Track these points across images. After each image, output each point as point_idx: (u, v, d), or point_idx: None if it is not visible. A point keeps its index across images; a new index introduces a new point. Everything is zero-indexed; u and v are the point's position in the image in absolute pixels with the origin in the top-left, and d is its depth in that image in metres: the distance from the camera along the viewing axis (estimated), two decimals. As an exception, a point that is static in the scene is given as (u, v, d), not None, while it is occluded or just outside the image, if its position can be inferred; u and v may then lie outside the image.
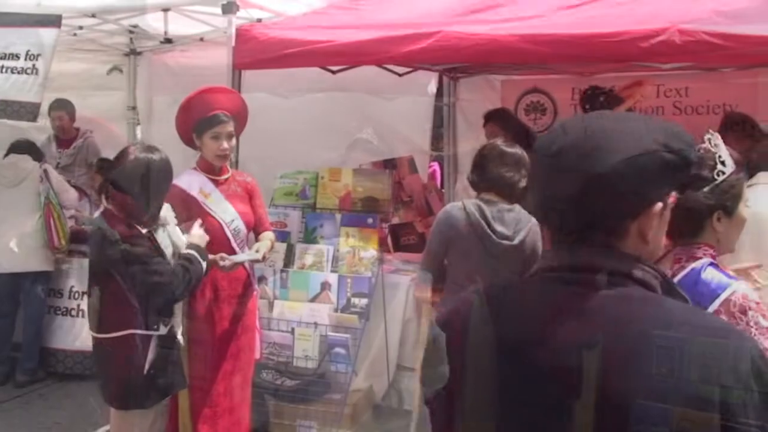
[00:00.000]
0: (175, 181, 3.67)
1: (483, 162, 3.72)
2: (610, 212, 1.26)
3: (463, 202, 3.68)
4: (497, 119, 5.49)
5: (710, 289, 2.15)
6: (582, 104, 4.78)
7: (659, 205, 1.27)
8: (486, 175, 3.69)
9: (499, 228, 3.60)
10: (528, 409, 1.24)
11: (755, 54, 3.56)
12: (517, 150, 3.72)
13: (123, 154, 3.43)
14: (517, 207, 3.72)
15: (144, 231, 3.35)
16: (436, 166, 7.81)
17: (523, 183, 3.69)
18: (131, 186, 3.34)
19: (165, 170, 3.45)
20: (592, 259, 1.27)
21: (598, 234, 1.27)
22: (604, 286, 1.24)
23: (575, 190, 1.25)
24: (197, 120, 3.89)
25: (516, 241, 3.63)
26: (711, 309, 2.10)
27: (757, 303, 2.35)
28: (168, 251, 3.45)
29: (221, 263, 3.74)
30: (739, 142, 4.60)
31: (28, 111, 5.39)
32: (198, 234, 3.63)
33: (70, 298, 6.05)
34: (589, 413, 1.18)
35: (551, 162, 1.29)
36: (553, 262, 1.33)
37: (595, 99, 4.62)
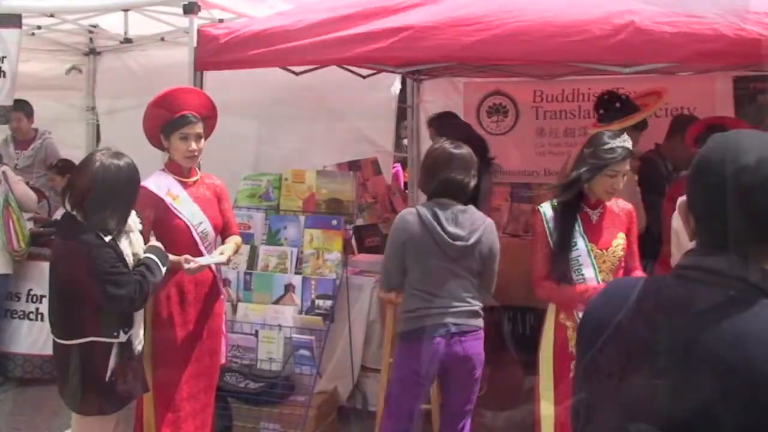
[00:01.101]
0: (143, 183, 3.61)
1: (433, 166, 3.73)
2: None
3: (416, 207, 3.69)
4: (432, 124, 5.54)
5: None
6: (596, 108, 4.75)
7: None
8: (437, 179, 3.69)
9: (452, 229, 3.61)
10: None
11: (712, 53, 3.62)
12: (464, 150, 3.75)
13: (88, 160, 3.35)
14: (471, 208, 3.74)
15: (107, 239, 3.27)
16: (398, 167, 7.82)
17: (473, 183, 3.74)
18: (97, 194, 3.25)
19: (132, 177, 3.37)
20: (729, 265, 1.31)
21: (758, 244, 1.32)
22: (730, 291, 1.29)
23: (759, 201, 1.30)
24: (165, 120, 3.83)
25: (471, 241, 3.64)
26: None
27: None
28: (129, 259, 3.38)
29: (186, 266, 3.69)
30: (686, 144, 4.67)
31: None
32: (156, 244, 3.59)
33: (28, 301, 5.94)
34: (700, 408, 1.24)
35: (736, 172, 1.31)
36: (693, 262, 1.37)
37: (610, 104, 4.60)
